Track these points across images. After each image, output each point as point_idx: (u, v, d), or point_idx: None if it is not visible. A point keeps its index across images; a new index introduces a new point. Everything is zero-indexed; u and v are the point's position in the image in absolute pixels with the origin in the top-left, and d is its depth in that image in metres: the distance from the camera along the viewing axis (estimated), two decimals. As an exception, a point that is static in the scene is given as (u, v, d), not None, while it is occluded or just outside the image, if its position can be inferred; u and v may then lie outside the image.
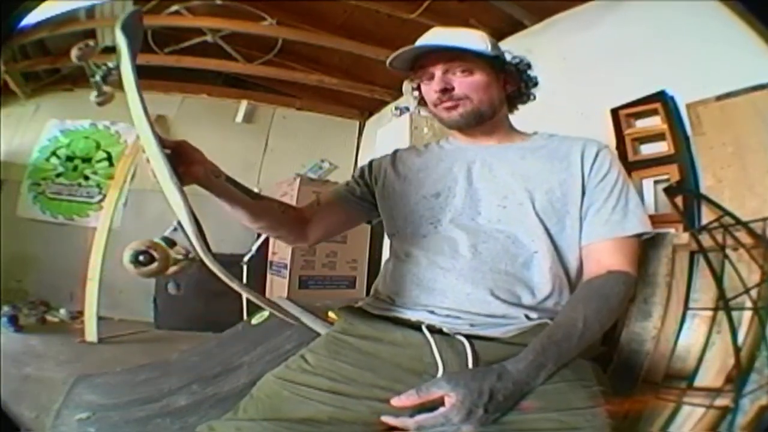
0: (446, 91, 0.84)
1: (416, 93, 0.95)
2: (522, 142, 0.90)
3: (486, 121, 0.87)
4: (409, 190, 0.90)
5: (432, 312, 0.77)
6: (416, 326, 0.76)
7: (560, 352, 0.68)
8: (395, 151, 1.00)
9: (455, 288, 0.77)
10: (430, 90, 0.86)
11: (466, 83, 0.84)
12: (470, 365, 0.70)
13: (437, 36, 0.86)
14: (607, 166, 0.83)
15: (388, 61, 0.86)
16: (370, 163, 1.01)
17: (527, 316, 0.76)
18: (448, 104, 0.85)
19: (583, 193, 0.81)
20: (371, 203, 0.99)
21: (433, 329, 0.75)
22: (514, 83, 0.90)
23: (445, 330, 0.75)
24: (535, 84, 0.92)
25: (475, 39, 0.85)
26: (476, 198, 0.83)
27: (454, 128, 0.90)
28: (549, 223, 0.80)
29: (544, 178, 0.82)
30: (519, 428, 0.64)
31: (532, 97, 0.93)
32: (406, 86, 2.68)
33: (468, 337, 0.74)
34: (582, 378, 0.71)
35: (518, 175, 0.83)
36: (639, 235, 0.81)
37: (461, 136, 0.93)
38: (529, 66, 0.92)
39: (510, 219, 0.80)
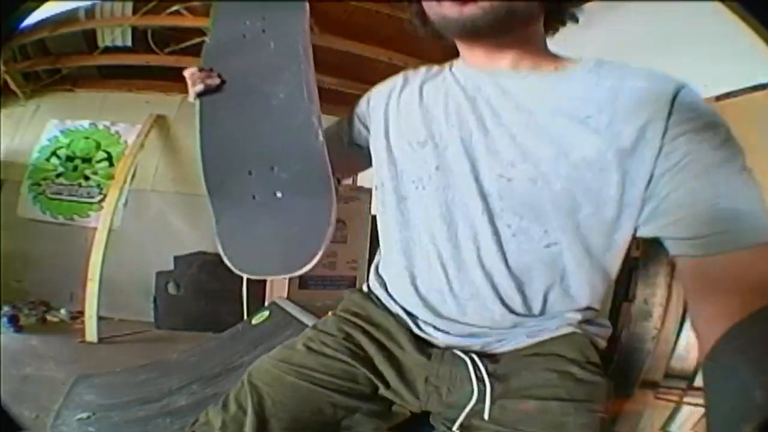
0: None
1: (414, 6, 0.66)
2: (555, 72, 0.58)
3: (516, 28, 0.56)
4: (398, 131, 0.66)
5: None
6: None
7: None
8: (405, 76, 0.72)
9: None
10: None
11: None
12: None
13: None
14: (692, 122, 0.52)
15: None
16: (368, 96, 0.77)
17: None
18: None
19: (652, 169, 0.52)
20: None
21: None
22: None
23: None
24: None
25: None
26: (472, 156, 0.57)
27: (465, 36, 0.58)
28: (578, 208, 0.54)
29: (575, 139, 0.52)
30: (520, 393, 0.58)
31: (574, 18, 0.62)
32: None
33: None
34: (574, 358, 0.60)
35: (539, 130, 0.54)
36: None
37: (469, 55, 0.62)
38: None
39: (515, 196, 0.54)
